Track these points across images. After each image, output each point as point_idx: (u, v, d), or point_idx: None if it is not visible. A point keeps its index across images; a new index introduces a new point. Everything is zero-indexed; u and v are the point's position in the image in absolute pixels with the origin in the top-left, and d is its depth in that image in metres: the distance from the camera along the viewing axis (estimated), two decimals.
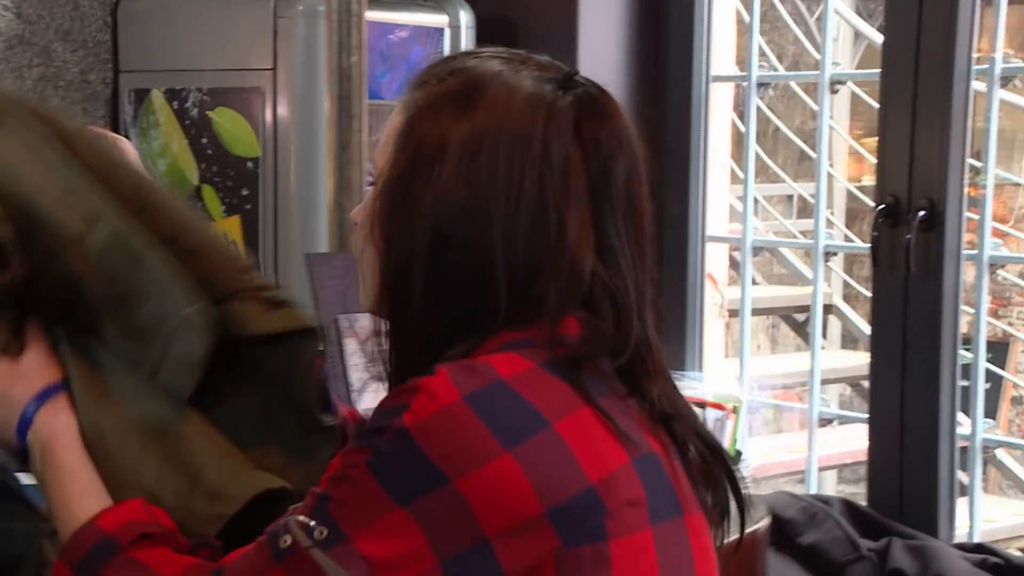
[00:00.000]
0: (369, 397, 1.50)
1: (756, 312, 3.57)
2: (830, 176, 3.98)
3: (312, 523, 0.85)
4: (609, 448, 0.89)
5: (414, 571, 0.84)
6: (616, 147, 0.94)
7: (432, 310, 0.92)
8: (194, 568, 0.91)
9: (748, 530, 1.55)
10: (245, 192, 2.58)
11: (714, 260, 2.89)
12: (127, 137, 2.77)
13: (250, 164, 2.57)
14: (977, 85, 2.34)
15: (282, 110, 2.51)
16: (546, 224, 0.91)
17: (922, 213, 2.27)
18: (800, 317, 4.23)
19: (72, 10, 2.73)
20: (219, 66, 2.60)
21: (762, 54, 3.04)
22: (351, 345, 1.49)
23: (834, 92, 2.63)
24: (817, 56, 4.38)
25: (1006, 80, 2.45)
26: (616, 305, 0.93)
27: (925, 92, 2.28)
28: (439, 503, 0.84)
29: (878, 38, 4.08)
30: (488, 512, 0.84)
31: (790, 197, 4.98)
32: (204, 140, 2.63)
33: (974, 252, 2.40)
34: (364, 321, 1.52)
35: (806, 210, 5.24)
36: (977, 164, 2.56)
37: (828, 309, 3.92)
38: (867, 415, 2.44)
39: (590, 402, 0.89)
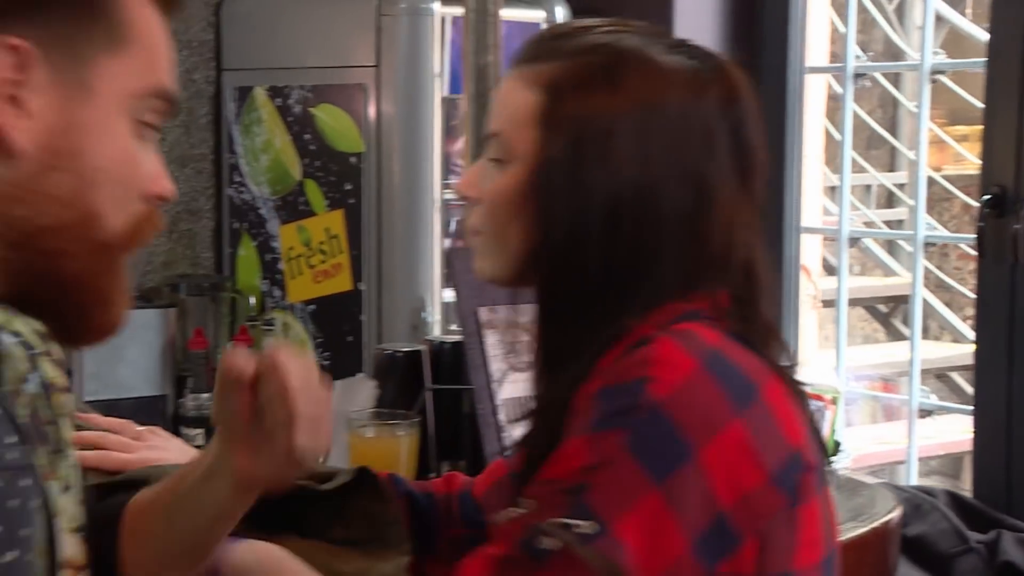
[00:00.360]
0: (508, 387, 1.54)
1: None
2: (913, 164, 3.96)
3: (572, 520, 0.82)
4: (797, 415, 0.91)
5: (671, 557, 0.83)
6: (748, 112, 0.97)
7: (602, 284, 0.93)
8: None
9: (881, 521, 1.57)
10: (348, 187, 2.63)
11: (808, 251, 2.89)
12: (230, 134, 2.83)
13: (353, 159, 2.61)
14: None
15: (386, 106, 2.55)
16: (707, 193, 0.94)
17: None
18: (883, 307, 4.21)
19: None
20: (322, 64, 2.65)
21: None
22: (491, 336, 1.52)
23: (933, 83, 2.63)
24: (900, 44, 4.35)
25: None
26: (757, 272, 0.96)
27: None
28: (685, 479, 0.83)
29: (963, 24, 4.05)
30: (723, 483, 0.84)
31: (868, 187, 4.95)
32: (307, 136, 2.68)
33: None
34: (503, 313, 1.55)
35: (884, 198, 5.21)
36: None
37: (907, 299, 3.91)
38: (971, 406, 2.43)
39: (776, 370, 0.92)
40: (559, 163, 0.93)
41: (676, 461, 0.83)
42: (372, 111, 2.57)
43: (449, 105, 2.63)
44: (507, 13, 2.71)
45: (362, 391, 1.54)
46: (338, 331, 2.69)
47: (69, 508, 0.90)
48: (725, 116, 0.95)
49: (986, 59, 2.36)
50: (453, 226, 2.77)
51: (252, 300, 2.80)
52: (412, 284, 2.59)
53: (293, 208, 2.72)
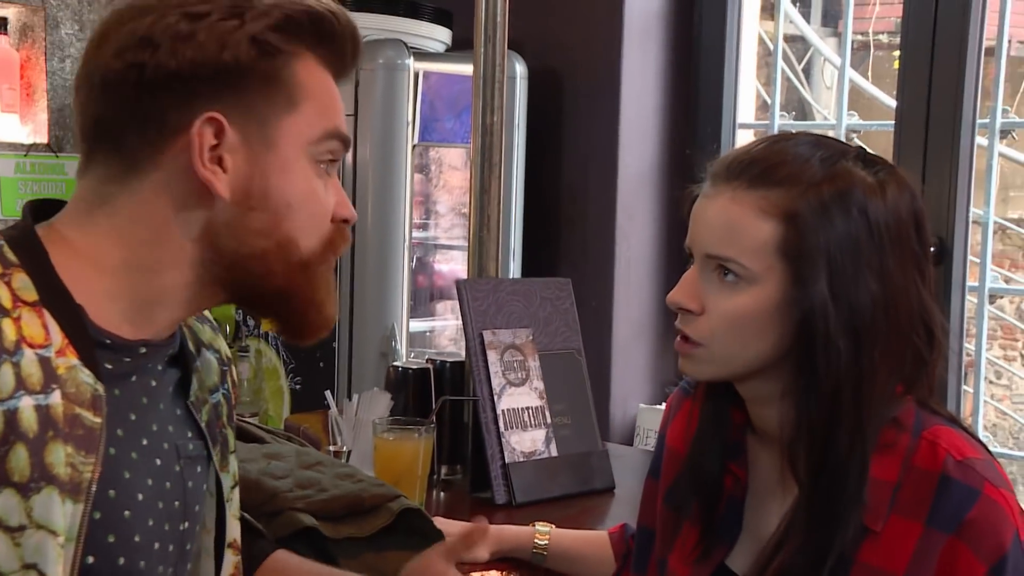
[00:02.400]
0: (507, 399, 1.78)
1: None
2: None
3: None
4: None
5: None
6: (921, 203, 1.10)
7: (863, 388, 1.05)
8: None
9: None
10: None
11: None
12: None
13: None
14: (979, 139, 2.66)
15: (362, 152, 2.78)
16: (920, 293, 1.08)
17: (932, 250, 2.59)
18: None
19: None
20: None
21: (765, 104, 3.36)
22: (492, 355, 1.76)
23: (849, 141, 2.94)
24: (811, 101, 4.72)
25: (1004, 133, 2.77)
26: (939, 338, 1.09)
27: (934, 144, 2.61)
28: None
29: (865, 85, 4.44)
30: None
31: None
32: None
33: (976, 284, 2.72)
34: (503, 336, 1.80)
35: None
36: (978, 212, 2.88)
37: None
38: None
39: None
40: (820, 289, 1.05)
41: None
42: (349, 156, 2.79)
43: (419, 152, 2.88)
44: (471, 70, 2.98)
45: (380, 401, 1.76)
46: (311, 358, 2.89)
47: (236, 499, 1.12)
48: (912, 214, 1.10)
49: (894, 121, 2.70)
50: (415, 263, 3.01)
51: (228, 328, 2.99)
52: (382, 314, 2.82)
53: None
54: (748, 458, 1.17)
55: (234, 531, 1.12)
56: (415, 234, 3.01)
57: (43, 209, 0.99)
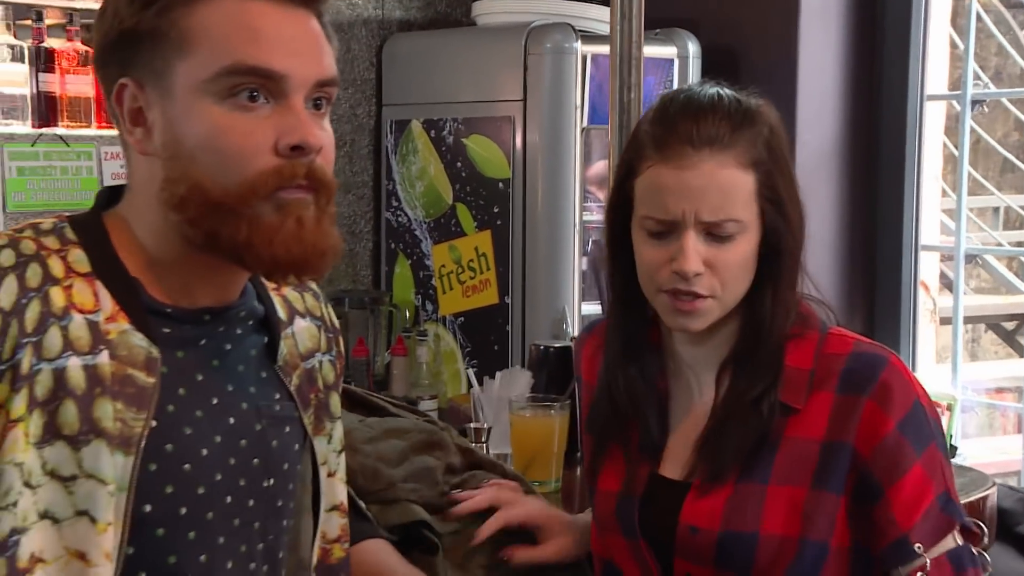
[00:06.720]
0: None
1: (964, 320, 3.68)
2: None
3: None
4: None
5: None
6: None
7: (786, 299, 1.24)
8: None
9: (975, 496, 1.74)
10: (496, 209, 2.90)
11: (927, 268, 3.04)
12: (389, 163, 3.14)
13: (501, 184, 2.88)
14: None
15: (531, 136, 2.82)
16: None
17: None
18: (1008, 325, 4.28)
19: (344, 53, 3.12)
20: (473, 99, 2.93)
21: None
22: None
23: None
24: None
25: None
26: None
27: None
28: None
29: None
30: None
31: (996, 209, 5.02)
32: (459, 164, 2.96)
33: None
34: None
35: (1010, 221, 5.26)
36: None
37: None
38: None
39: None
40: (775, 215, 1.21)
41: None
42: (519, 140, 2.83)
43: (588, 134, 2.89)
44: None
45: (520, 380, 1.79)
46: (485, 340, 2.95)
47: (341, 463, 1.15)
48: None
49: None
50: (592, 246, 3.02)
51: (407, 313, 3.09)
52: (553, 297, 2.84)
53: (445, 229, 3.01)
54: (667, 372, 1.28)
55: (338, 495, 1.15)
56: (594, 217, 3.02)
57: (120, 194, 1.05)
